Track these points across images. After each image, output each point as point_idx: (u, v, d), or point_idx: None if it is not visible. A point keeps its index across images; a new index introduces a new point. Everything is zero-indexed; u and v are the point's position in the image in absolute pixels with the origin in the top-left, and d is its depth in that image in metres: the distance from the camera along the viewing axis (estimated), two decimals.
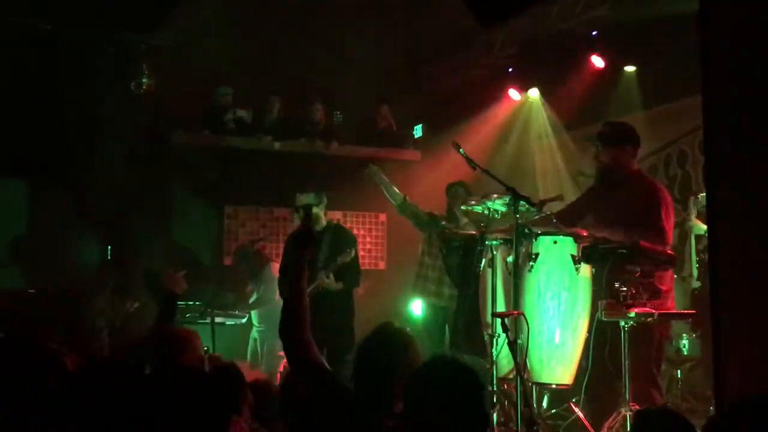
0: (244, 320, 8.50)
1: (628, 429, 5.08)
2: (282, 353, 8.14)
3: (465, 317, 6.02)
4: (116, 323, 7.77)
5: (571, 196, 7.59)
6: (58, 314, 7.03)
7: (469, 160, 5.78)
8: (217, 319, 7.94)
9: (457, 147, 5.87)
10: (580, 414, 5.60)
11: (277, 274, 8.51)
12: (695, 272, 7.01)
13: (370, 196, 9.76)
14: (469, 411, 2.75)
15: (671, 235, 5.64)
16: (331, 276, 7.09)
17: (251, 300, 8.66)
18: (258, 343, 8.58)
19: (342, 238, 7.29)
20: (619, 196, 5.72)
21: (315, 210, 7.05)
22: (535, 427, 4.63)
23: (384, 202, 9.95)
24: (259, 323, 8.58)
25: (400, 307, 8.97)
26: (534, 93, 9.04)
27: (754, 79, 4.15)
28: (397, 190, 7.84)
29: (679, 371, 6.81)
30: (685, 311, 6.15)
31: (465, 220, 7.47)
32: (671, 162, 8.11)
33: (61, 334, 5.83)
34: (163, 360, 3.76)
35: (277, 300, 8.41)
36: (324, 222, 7.30)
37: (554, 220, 5.69)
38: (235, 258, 9.41)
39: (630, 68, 7.89)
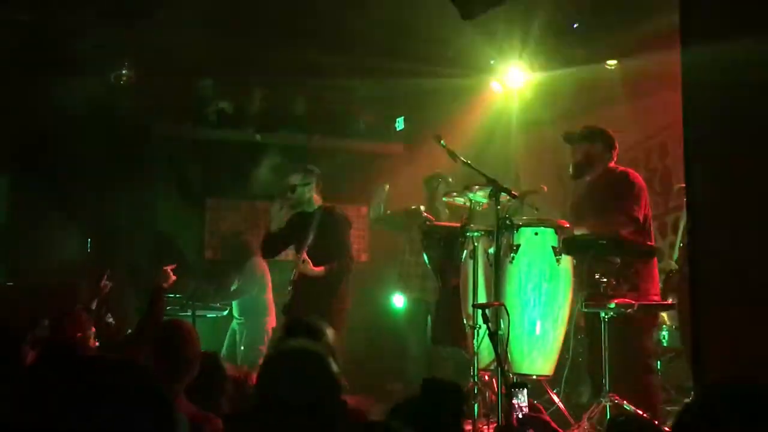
0: (225, 312, 8.48)
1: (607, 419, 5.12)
2: (262, 347, 8.21)
3: (446, 309, 6.04)
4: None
5: (553, 189, 7.64)
6: (39, 308, 6.98)
7: (450, 153, 5.82)
8: (198, 312, 7.92)
9: (438, 140, 5.90)
10: (561, 405, 5.65)
11: (259, 267, 8.51)
12: (676, 255, 7.09)
13: (352, 189, 9.78)
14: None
15: (644, 220, 5.73)
16: (308, 260, 6.66)
17: (231, 289, 8.63)
18: (237, 335, 8.54)
19: (330, 221, 6.88)
20: (591, 190, 5.97)
21: (299, 190, 6.84)
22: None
23: (366, 195, 9.98)
24: (239, 315, 8.55)
25: (382, 299, 9.00)
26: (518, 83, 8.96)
27: (733, 72, 4.18)
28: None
29: (659, 362, 6.84)
30: (665, 302, 6.19)
31: (446, 213, 7.49)
32: (651, 155, 8.17)
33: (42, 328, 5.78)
34: (168, 352, 3.75)
35: (257, 293, 8.45)
36: (315, 203, 6.92)
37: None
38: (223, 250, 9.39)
39: (612, 62, 7.90)
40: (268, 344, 8.30)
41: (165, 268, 5.80)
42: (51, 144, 8.75)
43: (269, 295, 8.51)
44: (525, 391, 3.51)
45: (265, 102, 10.06)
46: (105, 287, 7.09)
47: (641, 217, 5.71)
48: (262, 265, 8.61)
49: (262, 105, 10.04)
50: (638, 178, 5.95)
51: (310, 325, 3.93)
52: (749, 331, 4.33)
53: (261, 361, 7.95)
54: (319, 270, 6.67)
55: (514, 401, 3.60)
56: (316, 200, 6.94)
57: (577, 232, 5.73)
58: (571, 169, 6.10)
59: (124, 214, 9.04)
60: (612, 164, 6.02)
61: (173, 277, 5.84)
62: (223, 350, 8.34)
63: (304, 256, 6.65)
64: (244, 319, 8.51)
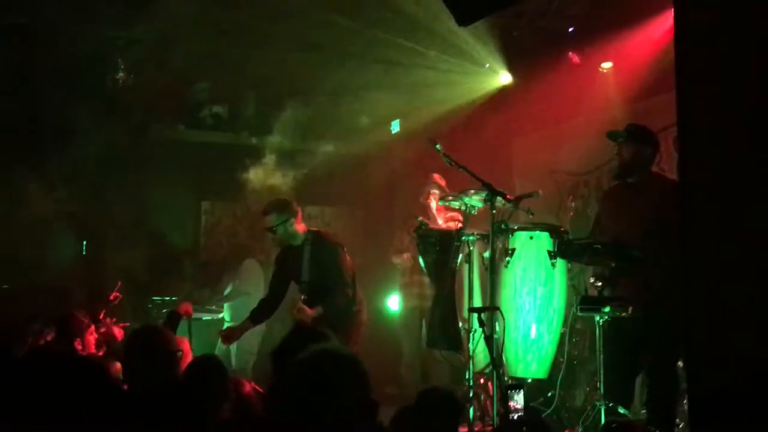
0: (220, 315, 8.49)
1: (602, 422, 5.15)
2: (253, 350, 8.20)
3: (441, 312, 6.06)
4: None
5: (547, 191, 7.65)
6: (34, 311, 6.98)
7: (445, 156, 5.85)
8: (194, 315, 7.91)
9: (434, 143, 5.93)
10: None
11: (255, 270, 8.51)
12: None
13: (347, 191, 9.81)
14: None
15: None
16: (303, 309, 6.18)
17: (225, 292, 8.62)
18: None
19: (322, 250, 6.42)
20: (636, 195, 5.63)
21: (280, 230, 6.38)
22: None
23: (360, 197, 10.01)
24: (230, 319, 8.52)
25: (377, 301, 9.01)
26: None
27: (729, 76, 4.20)
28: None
29: None
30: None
31: (440, 219, 7.47)
32: None
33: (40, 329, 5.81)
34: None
35: (251, 295, 8.44)
36: (301, 234, 6.46)
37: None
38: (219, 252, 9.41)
39: (606, 64, 7.90)
40: (262, 350, 8.30)
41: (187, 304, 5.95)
42: (46, 146, 8.74)
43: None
44: (521, 392, 3.54)
45: (260, 105, 10.07)
46: (116, 299, 7.07)
47: None
48: (257, 267, 8.62)
49: (256, 107, 10.05)
50: None
51: (315, 331, 3.89)
52: (742, 333, 4.37)
53: (252, 365, 8.02)
54: (315, 311, 6.18)
55: (511, 403, 3.62)
56: (300, 229, 6.47)
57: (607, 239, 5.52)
58: (617, 170, 5.75)
59: (119, 216, 9.03)
60: (656, 170, 5.85)
61: (191, 312, 5.99)
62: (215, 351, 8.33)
63: (299, 306, 6.22)
64: (235, 323, 8.46)
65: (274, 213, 6.38)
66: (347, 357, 2.77)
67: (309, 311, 6.13)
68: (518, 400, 3.59)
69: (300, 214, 6.49)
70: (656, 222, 5.35)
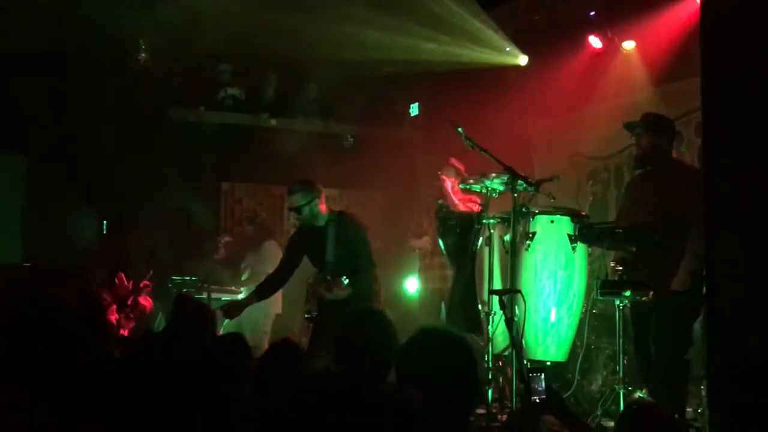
0: (239, 296, 8.52)
1: (621, 406, 5.18)
2: (267, 330, 8.24)
3: (461, 295, 6.10)
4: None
5: (566, 176, 7.65)
6: (56, 290, 7.05)
7: (467, 139, 5.84)
8: (213, 295, 7.97)
9: (455, 126, 5.93)
10: None
11: (275, 251, 8.53)
12: None
13: (367, 174, 9.82)
14: (460, 378, 2.82)
15: None
16: (332, 284, 6.20)
17: (243, 277, 8.67)
18: (240, 317, 8.48)
19: (347, 231, 6.37)
20: (652, 183, 5.66)
21: (305, 210, 6.32)
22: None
23: (380, 180, 10.02)
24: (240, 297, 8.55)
25: (395, 285, 9.04)
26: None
27: (754, 68, 4.20)
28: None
29: None
30: (681, 290, 6.20)
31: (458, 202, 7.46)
32: None
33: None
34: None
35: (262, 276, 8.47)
36: (325, 215, 6.39)
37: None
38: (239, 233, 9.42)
39: (629, 44, 7.81)
40: (274, 329, 8.35)
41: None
42: (68, 127, 8.80)
43: None
44: (543, 375, 3.54)
45: (280, 87, 10.09)
46: (145, 287, 7.07)
47: None
48: (277, 249, 8.66)
49: (276, 89, 10.06)
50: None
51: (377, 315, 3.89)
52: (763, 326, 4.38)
53: (265, 343, 8.08)
54: (345, 291, 6.17)
55: (533, 385, 3.63)
56: (324, 210, 6.41)
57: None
58: (636, 159, 5.80)
59: (139, 197, 9.09)
60: (675, 156, 5.87)
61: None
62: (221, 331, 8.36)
63: (329, 285, 6.20)
64: None
65: (300, 193, 6.32)
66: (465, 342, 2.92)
67: (341, 292, 6.12)
68: (540, 384, 3.59)
69: (323, 194, 6.46)
70: (669, 209, 5.40)
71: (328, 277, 6.20)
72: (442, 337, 2.96)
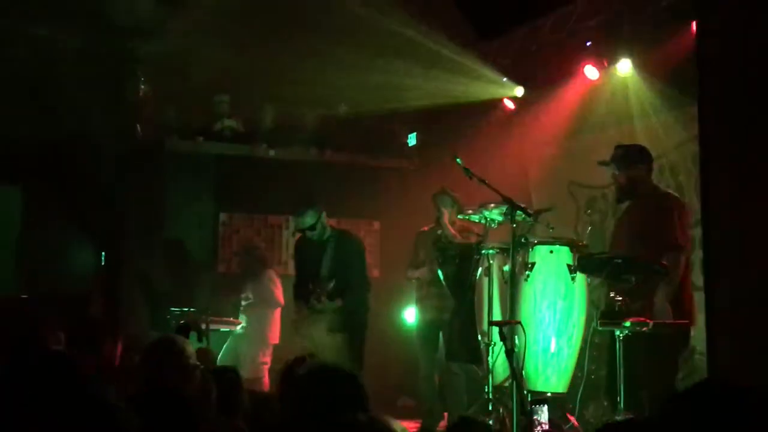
0: (239, 327, 8.49)
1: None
2: (265, 360, 8.22)
3: (461, 325, 6.07)
4: None
5: (564, 205, 7.65)
6: (54, 319, 7.01)
7: (465, 170, 5.86)
8: (212, 326, 7.93)
9: (454, 157, 5.94)
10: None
11: (275, 279, 8.56)
12: None
13: (364, 204, 9.82)
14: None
15: (689, 239, 5.66)
16: (323, 299, 6.72)
17: (243, 303, 8.64)
18: (238, 347, 8.45)
19: (347, 247, 6.91)
20: (632, 212, 5.80)
21: (318, 227, 6.83)
22: None
23: (378, 210, 10.02)
24: (246, 329, 8.53)
25: (394, 315, 9.02)
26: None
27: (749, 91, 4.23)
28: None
29: None
30: (680, 321, 6.19)
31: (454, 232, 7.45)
32: (664, 172, 8.15)
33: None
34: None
35: (269, 307, 8.47)
36: (328, 230, 6.95)
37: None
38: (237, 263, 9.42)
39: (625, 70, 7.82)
40: (272, 361, 8.32)
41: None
42: (64, 157, 8.79)
43: (277, 309, 8.53)
44: (546, 407, 3.52)
45: (278, 117, 10.11)
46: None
47: (689, 242, 5.61)
48: (274, 277, 8.64)
49: (274, 120, 10.08)
50: (678, 200, 5.83)
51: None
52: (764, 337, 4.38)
53: (263, 374, 8.04)
54: (335, 304, 6.69)
55: (535, 417, 3.61)
56: (327, 227, 6.97)
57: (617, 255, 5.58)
58: (616, 194, 5.95)
59: (137, 228, 9.07)
60: (653, 184, 5.92)
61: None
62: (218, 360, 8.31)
63: (320, 296, 6.66)
64: (250, 333, 8.47)
65: (309, 212, 6.82)
66: (350, 373, 2.85)
67: (320, 305, 6.61)
68: (543, 416, 3.57)
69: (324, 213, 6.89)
70: (638, 240, 5.50)
71: (318, 289, 6.60)
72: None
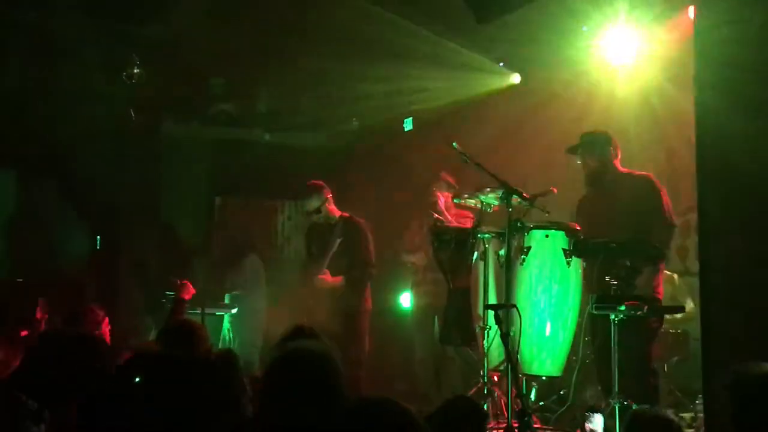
0: (234, 310, 8.47)
1: (617, 421, 5.14)
2: (257, 345, 8.22)
3: (456, 309, 6.06)
4: None
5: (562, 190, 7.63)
6: (49, 304, 7.00)
7: (462, 154, 5.85)
8: (207, 310, 7.92)
9: (450, 142, 5.93)
10: None
11: (259, 265, 8.58)
12: None
13: (359, 188, 9.79)
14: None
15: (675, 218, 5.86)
16: (327, 272, 7.07)
17: (227, 298, 8.63)
18: (229, 332, 8.45)
19: (353, 231, 7.19)
20: (614, 196, 5.89)
21: (323, 209, 7.15)
22: (526, 419, 4.68)
23: (374, 194, 10.00)
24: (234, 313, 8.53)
25: (389, 300, 9.01)
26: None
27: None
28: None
29: (665, 365, 6.86)
30: (675, 306, 6.23)
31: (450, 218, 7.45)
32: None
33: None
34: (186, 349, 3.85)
35: (250, 293, 8.48)
36: (335, 213, 7.26)
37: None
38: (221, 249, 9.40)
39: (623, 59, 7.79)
40: (262, 346, 8.32)
41: (183, 282, 5.94)
42: (59, 142, 8.76)
43: (263, 293, 8.55)
44: (602, 418, 3.45)
45: (274, 101, 10.07)
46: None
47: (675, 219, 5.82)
48: (258, 264, 8.64)
49: (270, 104, 10.05)
50: (658, 180, 5.97)
51: (307, 329, 4.04)
52: (760, 332, 4.39)
53: (257, 358, 8.06)
54: (338, 280, 7.03)
55: (587, 425, 3.57)
56: (334, 211, 7.23)
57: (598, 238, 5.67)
58: (588, 180, 6.07)
59: (132, 212, 9.06)
60: (620, 167, 6.02)
61: (192, 291, 5.99)
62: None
63: (322, 275, 7.01)
64: (238, 319, 8.46)
65: (315, 194, 7.13)
66: (325, 355, 2.88)
67: (329, 279, 6.99)
68: (596, 424, 3.51)
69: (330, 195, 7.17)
70: (632, 221, 5.64)
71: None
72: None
